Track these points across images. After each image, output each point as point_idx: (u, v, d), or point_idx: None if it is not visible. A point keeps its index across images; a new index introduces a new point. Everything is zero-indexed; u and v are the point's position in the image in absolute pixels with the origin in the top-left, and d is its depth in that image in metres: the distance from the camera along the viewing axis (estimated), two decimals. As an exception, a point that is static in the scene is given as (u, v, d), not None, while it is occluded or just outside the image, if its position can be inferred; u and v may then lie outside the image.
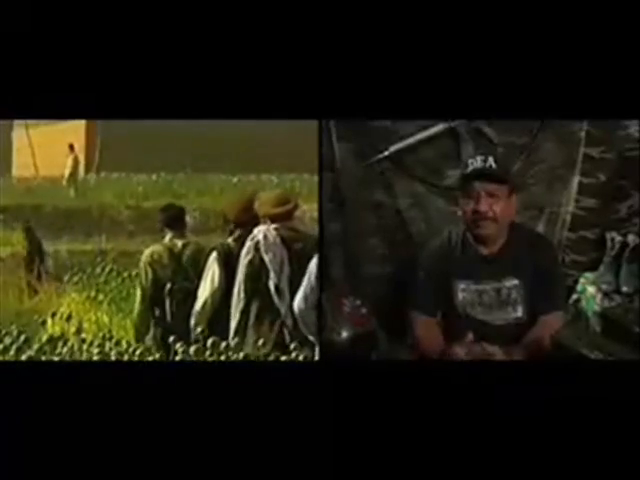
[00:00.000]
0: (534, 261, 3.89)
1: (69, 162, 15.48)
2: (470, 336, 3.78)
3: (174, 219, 4.88)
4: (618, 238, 4.36)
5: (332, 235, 4.47)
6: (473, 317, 3.93)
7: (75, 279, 6.79)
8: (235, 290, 4.36)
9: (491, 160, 3.82)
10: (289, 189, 14.31)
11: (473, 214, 3.80)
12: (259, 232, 4.37)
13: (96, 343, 4.06)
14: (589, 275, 4.41)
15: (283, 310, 4.31)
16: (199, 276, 4.56)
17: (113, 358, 3.92)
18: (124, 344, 4.11)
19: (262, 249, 4.33)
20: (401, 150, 4.41)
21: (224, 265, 4.44)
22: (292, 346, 4.07)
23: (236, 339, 4.14)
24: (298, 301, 4.19)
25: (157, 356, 3.99)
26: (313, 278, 4.16)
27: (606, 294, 4.29)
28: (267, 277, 4.33)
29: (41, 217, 11.72)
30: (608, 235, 4.40)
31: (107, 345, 4.04)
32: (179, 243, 4.77)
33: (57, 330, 4.99)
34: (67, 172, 15.39)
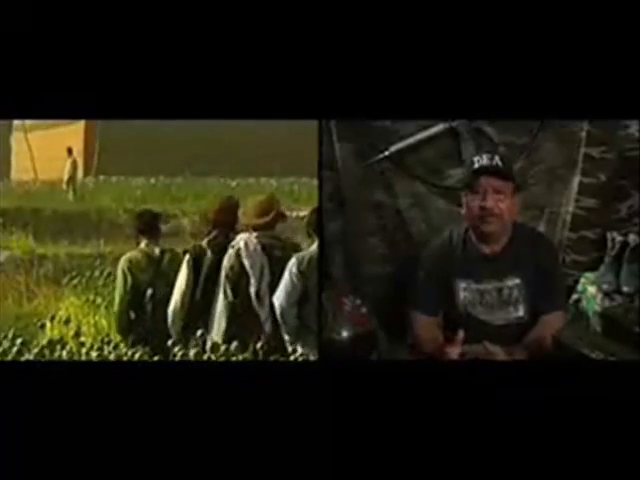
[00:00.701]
0: (535, 261, 3.90)
1: (68, 166, 15.48)
2: (461, 334, 3.76)
3: (149, 226, 4.91)
4: (619, 238, 4.36)
5: (332, 235, 4.49)
6: (474, 317, 3.92)
7: (74, 282, 6.77)
8: (220, 295, 4.43)
9: (497, 158, 3.84)
10: (288, 192, 14.32)
11: (480, 210, 3.80)
12: (240, 239, 4.45)
13: (95, 346, 4.07)
14: (590, 275, 4.41)
15: (263, 316, 4.38)
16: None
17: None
18: (123, 347, 4.11)
19: (243, 256, 4.42)
20: (401, 150, 4.41)
21: (194, 267, 4.53)
22: (290, 349, 4.12)
23: (219, 340, 4.25)
24: (280, 298, 4.26)
25: (156, 358, 3.99)
26: (294, 277, 4.24)
27: (607, 294, 4.29)
28: (247, 283, 4.41)
29: (40, 221, 11.71)
30: (609, 235, 4.40)
31: (106, 349, 4.05)
32: (156, 250, 4.81)
33: (56, 333, 4.99)
34: (66, 176, 15.40)
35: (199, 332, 4.26)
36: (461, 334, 3.72)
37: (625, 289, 4.30)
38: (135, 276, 4.75)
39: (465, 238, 3.95)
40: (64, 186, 15.28)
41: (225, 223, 4.60)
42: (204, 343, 4.13)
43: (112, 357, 3.95)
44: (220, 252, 4.52)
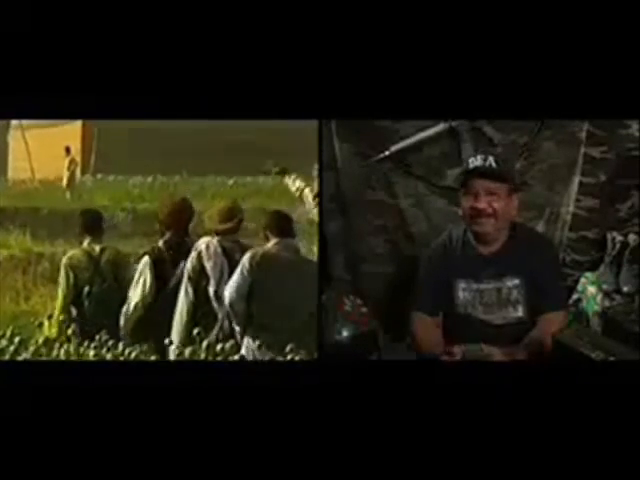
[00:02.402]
0: (535, 261, 3.89)
1: (66, 164, 15.45)
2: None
3: (92, 224, 4.93)
4: (619, 238, 4.37)
5: (332, 235, 4.49)
6: (474, 317, 3.92)
7: (72, 281, 6.76)
8: (180, 294, 4.47)
9: (491, 159, 3.83)
10: (284, 192, 14.29)
11: (471, 210, 3.82)
12: (202, 242, 4.51)
13: (92, 345, 4.06)
14: (590, 275, 4.42)
15: (221, 315, 4.41)
16: (116, 279, 4.72)
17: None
18: (120, 346, 4.11)
19: (204, 258, 4.46)
20: (402, 150, 4.42)
21: (154, 269, 4.55)
22: (289, 348, 4.13)
23: (176, 339, 4.30)
24: (229, 291, 4.30)
25: (154, 357, 4.00)
26: (244, 270, 4.28)
27: (607, 294, 4.30)
28: (207, 283, 4.45)
29: (37, 219, 11.69)
30: (609, 235, 4.41)
31: (103, 348, 4.05)
32: (97, 248, 4.83)
33: (53, 332, 4.98)
34: (65, 174, 15.37)
35: (155, 333, 4.30)
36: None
37: (625, 289, 4.31)
38: (75, 274, 4.77)
39: (464, 238, 3.96)
40: (65, 184, 15.25)
41: (178, 225, 4.62)
42: (163, 344, 4.15)
43: (109, 356, 3.96)
44: (176, 253, 4.56)
